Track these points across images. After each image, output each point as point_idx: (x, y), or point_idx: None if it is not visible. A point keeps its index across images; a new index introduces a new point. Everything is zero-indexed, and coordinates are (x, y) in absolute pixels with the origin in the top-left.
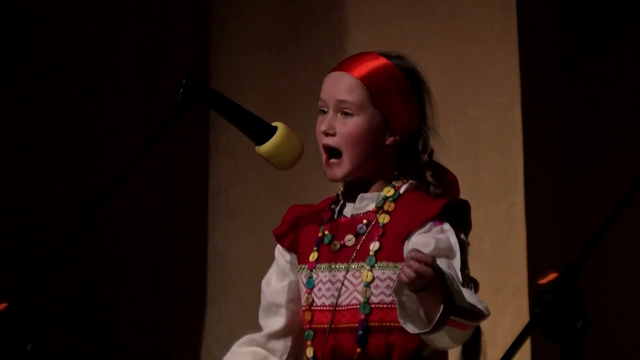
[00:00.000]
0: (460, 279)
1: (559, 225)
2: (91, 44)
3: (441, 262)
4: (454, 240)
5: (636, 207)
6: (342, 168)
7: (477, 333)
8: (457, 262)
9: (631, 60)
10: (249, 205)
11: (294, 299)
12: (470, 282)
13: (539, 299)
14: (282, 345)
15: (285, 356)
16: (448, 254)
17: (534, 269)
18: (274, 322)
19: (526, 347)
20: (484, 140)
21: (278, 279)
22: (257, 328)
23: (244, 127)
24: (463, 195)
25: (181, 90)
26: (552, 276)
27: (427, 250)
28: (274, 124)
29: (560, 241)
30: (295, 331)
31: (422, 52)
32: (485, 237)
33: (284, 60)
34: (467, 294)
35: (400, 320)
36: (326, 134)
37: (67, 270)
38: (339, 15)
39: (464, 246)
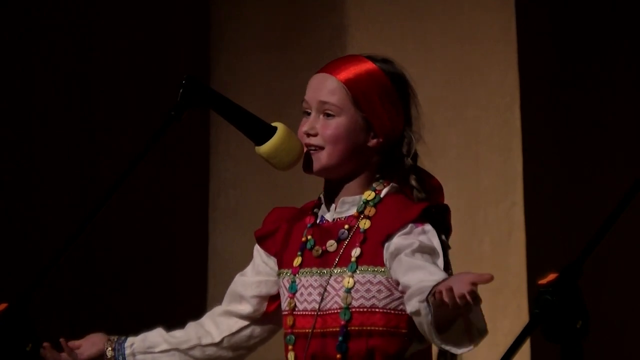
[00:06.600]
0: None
1: (559, 226)
2: (91, 44)
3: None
4: (436, 241)
5: (636, 207)
6: (319, 160)
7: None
8: (440, 263)
9: (631, 60)
10: (249, 205)
11: (259, 296)
12: None
13: (539, 300)
14: (227, 326)
15: (225, 334)
16: (431, 254)
17: (534, 269)
18: (232, 306)
19: (526, 348)
20: (483, 141)
21: (252, 275)
22: None
23: (244, 127)
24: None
25: (181, 91)
26: (551, 276)
27: (411, 248)
28: (274, 124)
29: (559, 242)
30: (247, 325)
31: (422, 52)
32: (485, 238)
33: (284, 60)
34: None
35: (442, 344)
36: (308, 135)
37: (67, 270)
38: (339, 15)
39: (445, 247)
